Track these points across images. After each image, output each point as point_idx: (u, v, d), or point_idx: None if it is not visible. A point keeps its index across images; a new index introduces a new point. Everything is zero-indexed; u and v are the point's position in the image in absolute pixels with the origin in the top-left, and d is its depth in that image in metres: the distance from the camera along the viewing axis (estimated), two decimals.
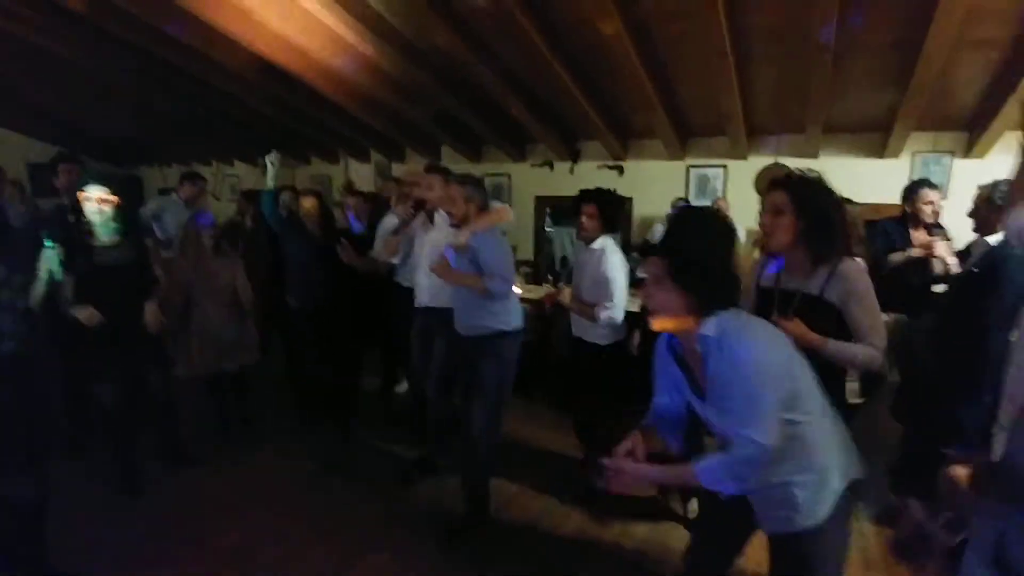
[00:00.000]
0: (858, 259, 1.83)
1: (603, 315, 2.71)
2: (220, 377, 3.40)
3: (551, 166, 5.73)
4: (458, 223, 2.63)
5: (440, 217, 3.01)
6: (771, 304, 1.81)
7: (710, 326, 1.33)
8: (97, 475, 2.96)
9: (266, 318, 3.92)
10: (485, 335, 2.61)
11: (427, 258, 3.01)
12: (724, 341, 1.30)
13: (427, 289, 3.07)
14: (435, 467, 3.15)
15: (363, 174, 7.12)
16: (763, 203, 1.81)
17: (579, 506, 2.85)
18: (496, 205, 2.78)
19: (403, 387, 4.21)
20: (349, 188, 5.66)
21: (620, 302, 2.74)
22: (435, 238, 3.05)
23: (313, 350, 3.59)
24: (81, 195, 2.59)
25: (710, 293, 1.35)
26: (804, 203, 1.70)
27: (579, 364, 2.97)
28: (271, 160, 3.40)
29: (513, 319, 2.67)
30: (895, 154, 4.45)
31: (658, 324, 1.42)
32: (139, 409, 2.91)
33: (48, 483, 2.09)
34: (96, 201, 2.58)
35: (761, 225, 1.80)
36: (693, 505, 2.77)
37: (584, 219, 2.81)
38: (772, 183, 1.82)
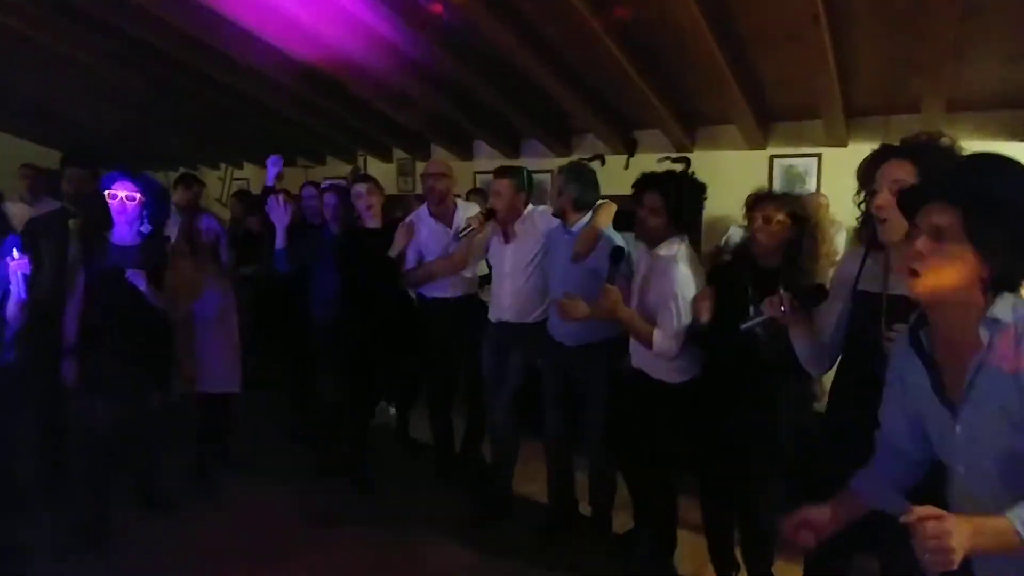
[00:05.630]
0: None
1: (656, 339, 2.16)
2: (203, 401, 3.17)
3: (602, 160, 4.97)
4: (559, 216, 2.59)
5: (521, 227, 2.81)
6: (874, 313, 1.50)
7: (1004, 307, 1.02)
8: (60, 522, 2.68)
9: (268, 344, 3.77)
10: (595, 343, 2.53)
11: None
12: None
13: (509, 307, 2.85)
14: (509, 506, 2.91)
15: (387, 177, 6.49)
16: (876, 181, 1.48)
17: None
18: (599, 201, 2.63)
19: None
20: (357, 175, 4.92)
21: (679, 329, 2.16)
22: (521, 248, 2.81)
23: (334, 370, 3.33)
24: (107, 193, 2.56)
25: (1015, 262, 1.03)
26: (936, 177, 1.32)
27: (637, 407, 2.38)
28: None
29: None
30: None
31: (923, 288, 1.08)
32: (128, 434, 2.76)
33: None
34: (122, 199, 2.55)
35: (876, 209, 1.46)
36: None
37: (646, 214, 2.23)
38: (887, 151, 1.52)
